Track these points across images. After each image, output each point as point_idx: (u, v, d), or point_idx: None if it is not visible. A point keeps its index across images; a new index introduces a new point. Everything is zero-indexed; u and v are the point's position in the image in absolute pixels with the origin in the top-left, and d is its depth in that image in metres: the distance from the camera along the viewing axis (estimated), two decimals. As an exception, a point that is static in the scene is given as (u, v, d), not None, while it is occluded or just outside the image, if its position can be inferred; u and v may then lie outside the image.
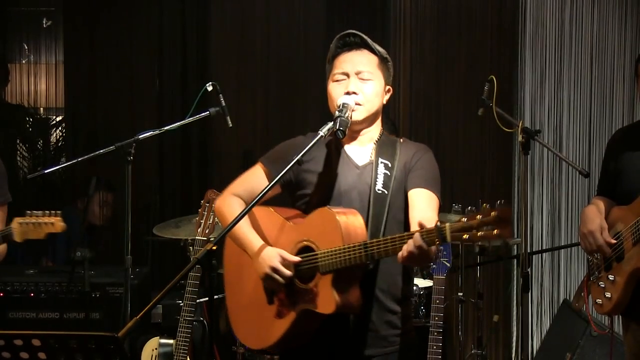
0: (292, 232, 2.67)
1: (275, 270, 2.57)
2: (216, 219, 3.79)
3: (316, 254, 2.56)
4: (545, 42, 5.64)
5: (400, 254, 2.38)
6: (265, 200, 2.70)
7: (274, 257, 2.58)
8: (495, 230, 2.21)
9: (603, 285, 3.12)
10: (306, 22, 5.98)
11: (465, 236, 2.26)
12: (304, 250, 2.62)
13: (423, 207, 2.63)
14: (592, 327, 3.58)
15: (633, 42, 5.57)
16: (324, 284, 2.53)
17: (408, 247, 2.36)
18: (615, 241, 3.06)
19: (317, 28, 5.95)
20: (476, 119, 3.81)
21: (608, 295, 3.08)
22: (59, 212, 3.22)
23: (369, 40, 2.75)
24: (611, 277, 3.08)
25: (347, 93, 2.68)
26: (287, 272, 2.57)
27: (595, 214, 3.14)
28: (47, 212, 3.24)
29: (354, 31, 2.76)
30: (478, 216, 2.23)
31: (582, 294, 3.26)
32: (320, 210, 2.62)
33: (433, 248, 2.38)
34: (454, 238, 2.29)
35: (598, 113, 5.62)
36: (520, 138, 3.40)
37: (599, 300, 3.15)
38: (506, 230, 2.22)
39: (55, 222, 3.22)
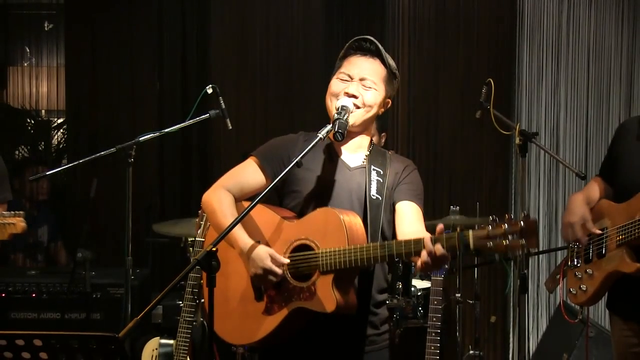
0: (288, 230, 2.66)
1: (267, 270, 2.55)
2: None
3: (316, 253, 2.55)
4: (542, 45, 5.67)
5: (420, 260, 2.39)
6: (254, 195, 2.71)
7: (265, 258, 2.56)
8: (522, 240, 2.25)
9: (580, 277, 3.12)
10: (305, 25, 6.01)
11: (490, 244, 2.28)
12: (299, 248, 2.61)
13: (413, 219, 2.67)
14: (562, 313, 3.56)
15: (629, 45, 5.61)
16: (324, 283, 2.52)
17: (429, 251, 2.36)
18: (600, 232, 3.04)
19: (316, 31, 5.98)
20: (474, 122, 3.82)
21: (584, 287, 3.08)
22: (21, 212, 3.16)
23: (383, 51, 2.76)
24: (589, 271, 3.07)
25: (347, 94, 2.70)
26: (279, 271, 2.56)
27: (580, 205, 3.12)
28: (14, 212, 3.17)
29: (371, 38, 2.76)
30: (503, 225, 2.26)
31: (558, 276, 3.25)
32: (322, 209, 2.61)
33: (450, 254, 2.39)
34: (477, 245, 2.30)
35: (595, 115, 5.65)
36: (517, 140, 3.42)
37: (573, 290, 3.15)
38: (532, 240, 2.26)
39: (16, 223, 3.12)
